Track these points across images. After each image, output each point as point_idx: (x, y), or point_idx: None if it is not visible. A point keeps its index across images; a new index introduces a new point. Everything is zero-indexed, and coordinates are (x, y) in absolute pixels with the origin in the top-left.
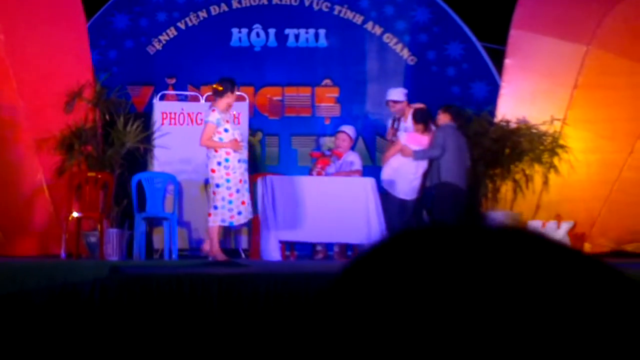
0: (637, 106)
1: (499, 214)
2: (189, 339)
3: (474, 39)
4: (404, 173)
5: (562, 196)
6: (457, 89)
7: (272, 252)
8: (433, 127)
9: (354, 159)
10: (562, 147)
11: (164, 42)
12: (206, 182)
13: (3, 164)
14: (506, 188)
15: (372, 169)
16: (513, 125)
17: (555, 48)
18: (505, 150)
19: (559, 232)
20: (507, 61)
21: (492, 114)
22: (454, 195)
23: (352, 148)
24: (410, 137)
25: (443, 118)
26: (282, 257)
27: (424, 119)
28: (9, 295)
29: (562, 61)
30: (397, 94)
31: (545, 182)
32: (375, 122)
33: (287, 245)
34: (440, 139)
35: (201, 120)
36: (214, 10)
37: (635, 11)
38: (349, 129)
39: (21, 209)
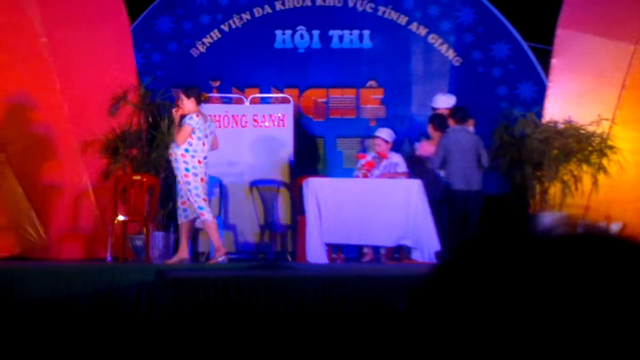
0: None
1: (547, 216)
2: (235, 342)
3: (519, 38)
4: None
5: (611, 197)
6: (504, 90)
7: (319, 254)
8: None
9: (399, 161)
10: (610, 147)
11: (207, 44)
12: (245, 185)
13: (49, 168)
14: (554, 189)
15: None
16: (560, 126)
17: (603, 47)
18: (553, 152)
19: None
20: (554, 61)
21: (539, 114)
22: (463, 198)
23: (393, 149)
24: (422, 147)
25: (451, 123)
26: (328, 259)
27: (442, 126)
28: (56, 299)
29: (610, 61)
30: (443, 101)
31: (594, 183)
32: (420, 124)
33: (333, 248)
34: (440, 149)
35: (246, 122)
36: (258, 12)
37: None
38: (383, 133)
39: (67, 212)
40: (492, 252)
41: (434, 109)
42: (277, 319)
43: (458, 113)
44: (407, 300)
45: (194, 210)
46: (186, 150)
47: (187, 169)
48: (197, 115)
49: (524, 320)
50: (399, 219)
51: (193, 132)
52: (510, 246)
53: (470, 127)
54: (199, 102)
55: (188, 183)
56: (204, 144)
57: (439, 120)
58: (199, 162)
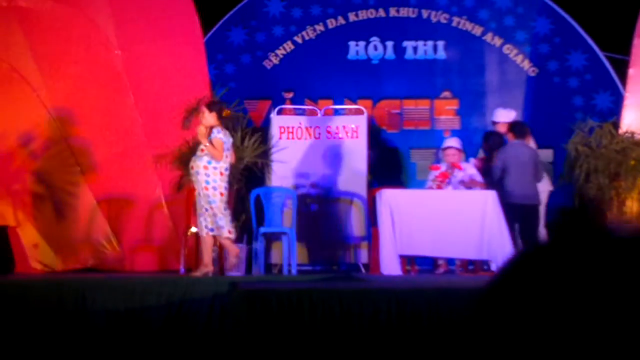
0: None
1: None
2: (309, 354)
3: (596, 48)
4: None
5: None
6: (580, 100)
7: (392, 266)
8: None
9: (473, 172)
10: None
11: (280, 56)
12: (319, 196)
13: (122, 180)
14: (632, 201)
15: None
16: (638, 136)
17: None
18: (631, 162)
19: None
20: (631, 71)
21: (616, 125)
22: (520, 212)
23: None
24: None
25: (510, 137)
26: (402, 271)
27: (496, 145)
28: (129, 311)
29: None
30: (504, 115)
31: None
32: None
33: (407, 260)
34: (498, 162)
35: (319, 134)
36: (331, 23)
37: None
38: (453, 142)
39: (140, 224)
40: (562, 255)
41: (494, 122)
42: (350, 332)
43: (517, 127)
44: (476, 305)
45: (215, 224)
46: (209, 162)
47: (207, 182)
48: (223, 129)
49: (599, 320)
50: (474, 231)
51: None
52: (582, 248)
53: (530, 142)
54: (220, 116)
55: (207, 196)
56: (226, 157)
57: (493, 139)
58: (221, 174)
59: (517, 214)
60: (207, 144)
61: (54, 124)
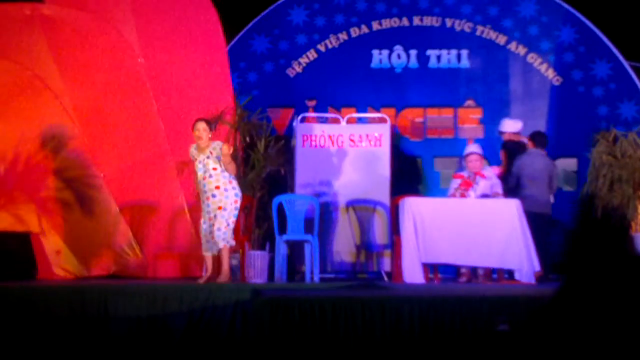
0: None
1: None
2: None
3: (621, 57)
4: None
5: None
6: (604, 110)
7: (415, 274)
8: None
9: (496, 182)
10: None
11: (304, 64)
12: (341, 204)
13: (146, 187)
14: None
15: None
16: None
17: None
18: None
19: None
20: None
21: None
22: (533, 220)
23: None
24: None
25: (530, 146)
26: (425, 279)
27: (514, 152)
28: (151, 318)
29: None
30: (510, 125)
31: None
32: (519, 143)
33: (430, 268)
34: (515, 169)
35: (342, 142)
36: (354, 32)
37: None
38: (476, 148)
39: (163, 231)
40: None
41: (501, 132)
42: (373, 340)
43: (538, 137)
44: (530, 323)
45: (231, 235)
46: (233, 178)
47: (236, 195)
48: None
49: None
50: (497, 240)
51: None
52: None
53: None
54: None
55: (237, 209)
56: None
57: (511, 147)
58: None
59: (529, 221)
60: (231, 159)
61: (76, 131)
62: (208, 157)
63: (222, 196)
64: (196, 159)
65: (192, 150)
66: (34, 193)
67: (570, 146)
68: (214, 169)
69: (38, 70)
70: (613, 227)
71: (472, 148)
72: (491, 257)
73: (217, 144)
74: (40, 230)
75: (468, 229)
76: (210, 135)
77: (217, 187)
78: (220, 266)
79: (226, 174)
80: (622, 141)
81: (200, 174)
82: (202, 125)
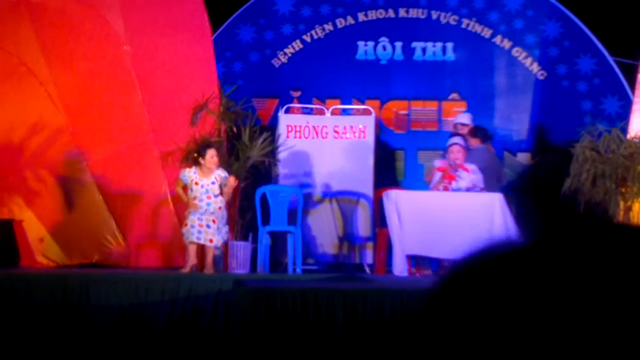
0: None
1: None
2: (312, 352)
3: (605, 53)
4: None
5: None
6: (588, 105)
7: (400, 267)
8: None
9: (478, 176)
10: None
11: (289, 55)
12: (325, 196)
13: (129, 176)
14: (638, 206)
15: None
16: None
17: None
18: (638, 168)
19: None
20: None
21: (624, 130)
22: None
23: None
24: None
25: (474, 143)
26: (408, 272)
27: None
28: (133, 307)
29: None
30: (466, 117)
31: None
32: (504, 138)
33: (412, 261)
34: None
35: (327, 133)
36: (340, 23)
37: None
38: (459, 139)
39: (146, 221)
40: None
41: (461, 124)
42: (354, 331)
43: (481, 132)
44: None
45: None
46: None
47: (227, 232)
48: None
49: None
50: (480, 233)
51: None
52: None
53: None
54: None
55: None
56: None
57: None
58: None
59: None
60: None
61: (61, 118)
62: (213, 183)
63: (216, 232)
64: (194, 181)
65: (191, 174)
66: (18, 181)
67: (554, 141)
68: (217, 195)
69: (23, 56)
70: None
71: (457, 139)
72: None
73: (222, 171)
74: (23, 217)
75: (451, 223)
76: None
77: (214, 221)
78: (203, 256)
79: (225, 212)
80: (605, 137)
81: (201, 196)
82: (213, 152)
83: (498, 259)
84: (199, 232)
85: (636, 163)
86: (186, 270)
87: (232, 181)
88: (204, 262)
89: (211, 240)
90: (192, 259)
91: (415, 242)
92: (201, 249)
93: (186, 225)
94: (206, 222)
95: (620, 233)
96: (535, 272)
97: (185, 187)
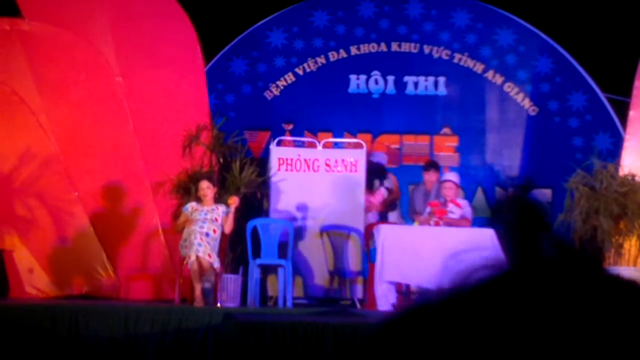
0: None
1: (622, 270)
2: None
3: (597, 89)
4: None
5: None
6: (580, 141)
7: (388, 297)
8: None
9: (468, 210)
10: None
11: (281, 87)
12: (322, 230)
13: (120, 207)
14: (630, 244)
15: (480, 220)
16: (639, 179)
17: None
18: (632, 205)
19: None
20: (632, 113)
21: (617, 167)
22: None
23: (468, 196)
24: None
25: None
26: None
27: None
28: (122, 339)
29: None
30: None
31: None
32: (495, 173)
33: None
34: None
35: (318, 166)
36: (332, 56)
37: None
38: (453, 176)
39: (137, 252)
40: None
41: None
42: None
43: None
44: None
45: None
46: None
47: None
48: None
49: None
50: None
51: None
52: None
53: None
54: None
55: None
56: None
57: (435, 166)
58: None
59: None
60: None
61: (52, 147)
62: (213, 210)
63: (207, 258)
64: (196, 210)
65: (193, 204)
66: (8, 210)
67: (545, 176)
68: (215, 220)
69: (16, 85)
70: (587, 257)
71: (449, 176)
72: None
73: (224, 207)
74: (12, 247)
75: (441, 257)
76: (215, 190)
77: (210, 255)
78: (192, 289)
79: (218, 242)
80: (598, 172)
81: (201, 217)
82: (205, 184)
83: (466, 293)
84: (199, 244)
85: (629, 200)
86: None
87: (233, 200)
88: (193, 295)
89: (210, 256)
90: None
91: (403, 273)
92: (190, 285)
93: (184, 240)
94: (205, 232)
95: (605, 281)
96: (501, 307)
97: (189, 221)
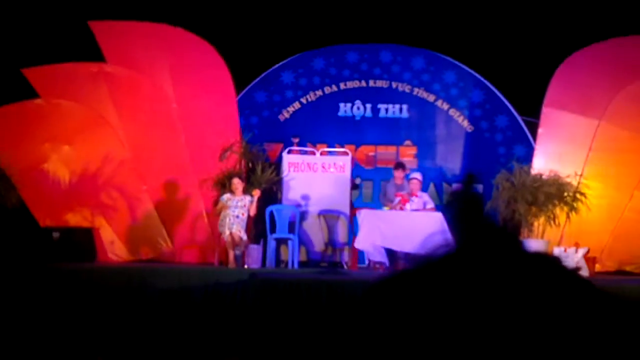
0: (636, 165)
1: (532, 242)
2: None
3: (515, 113)
4: None
5: (580, 229)
6: (503, 150)
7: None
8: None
9: (428, 200)
10: (581, 194)
11: (291, 112)
12: (320, 213)
13: (177, 197)
14: (538, 222)
15: (439, 207)
16: (545, 177)
17: (576, 122)
18: (540, 196)
19: (577, 255)
20: (540, 130)
21: (529, 168)
22: None
23: (424, 189)
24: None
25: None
26: (373, 268)
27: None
28: (177, 291)
29: (580, 131)
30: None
31: (568, 219)
32: (443, 172)
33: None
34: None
35: (317, 168)
36: (327, 90)
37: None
38: (418, 175)
39: (188, 230)
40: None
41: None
42: (333, 309)
43: (402, 164)
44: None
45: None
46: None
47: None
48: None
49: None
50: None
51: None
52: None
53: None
54: None
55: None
56: None
57: (403, 166)
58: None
59: None
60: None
61: (126, 154)
62: (242, 199)
63: (238, 233)
64: (229, 199)
65: (227, 195)
66: (96, 200)
67: (478, 175)
68: (244, 206)
69: (101, 110)
70: (508, 232)
71: (416, 175)
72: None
73: (250, 197)
74: (99, 225)
75: (404, 232)
76: (244, 185)
77: (239, 231)
78: (227, 255)
79: (245, 223)
80: (517, 171)
81: (233, 204)
82: (237, 180)
83: (428, 266)
84: (232, 223)
85: (539, 192)
86: (231, 264)
87: (256, 192)
88: (227, 260)
89: (239, 231)
90: (230, 254)
91: (379, 240)
92: (225, 252)
93: (222, 220)
94: (236, 215)
95: (524, 251)
96: (452, 277)
97: (224, 207)
